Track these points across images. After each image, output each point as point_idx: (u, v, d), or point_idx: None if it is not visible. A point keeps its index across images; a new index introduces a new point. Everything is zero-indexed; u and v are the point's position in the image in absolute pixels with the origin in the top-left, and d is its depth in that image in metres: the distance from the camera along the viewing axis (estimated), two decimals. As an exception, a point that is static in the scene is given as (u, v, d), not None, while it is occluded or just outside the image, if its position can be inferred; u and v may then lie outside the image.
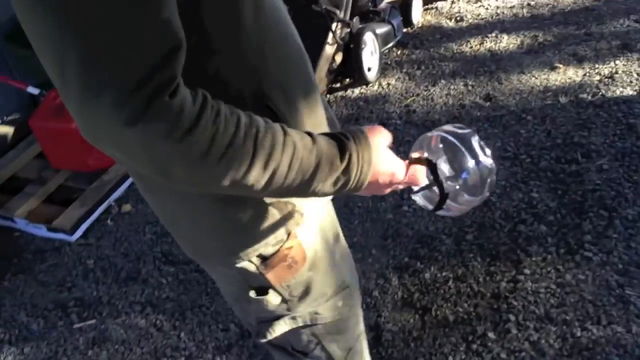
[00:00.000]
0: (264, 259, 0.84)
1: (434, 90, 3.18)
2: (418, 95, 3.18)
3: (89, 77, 0.51)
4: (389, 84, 3.35)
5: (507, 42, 3.48)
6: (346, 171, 0.70)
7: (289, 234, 0.83)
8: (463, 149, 0.84)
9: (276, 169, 0.63)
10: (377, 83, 3.37)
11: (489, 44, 3.51)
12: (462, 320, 1.90)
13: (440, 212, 0.89)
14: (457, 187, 0.87)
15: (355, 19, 3.29)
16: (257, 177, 0.62)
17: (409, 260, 2.18)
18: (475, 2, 4.05)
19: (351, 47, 3.21)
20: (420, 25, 3.93)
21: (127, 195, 2.88)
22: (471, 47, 3.52)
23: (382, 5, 3.65)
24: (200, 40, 0.64)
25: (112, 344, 2.12)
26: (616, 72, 2.95)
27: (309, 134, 0.68)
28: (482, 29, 3.71)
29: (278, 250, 0.83)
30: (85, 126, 0.54)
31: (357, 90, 3.36)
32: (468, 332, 1.86)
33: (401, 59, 3.58)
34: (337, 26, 3.13)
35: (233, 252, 0.83)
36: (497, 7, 3.92)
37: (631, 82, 2.85)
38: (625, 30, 3.33)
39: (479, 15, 3.88)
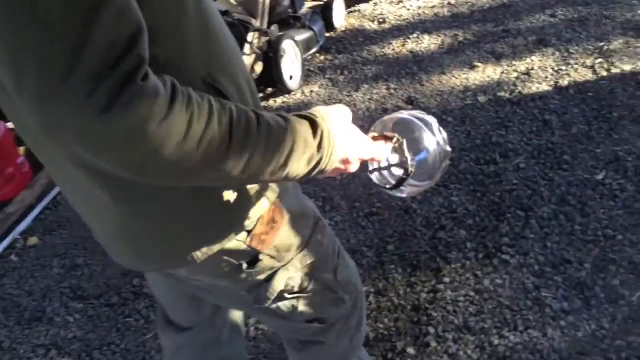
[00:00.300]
0: (248, 232, 0.84)
1: (357, 96, 3.12)
2: (341, 101, 3.11)
3: (51, 64, 0.47)
4: (312, 92, 3.27)
5: (428, 42, 3.47)
6: (320, 148, 0.70)
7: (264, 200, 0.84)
8: (425, 128, 0.86)
9: (254, 151, 0.62)
10: (300, 91, 3.29)
11: (410, 45, 3.49)
12: (383, 337, 1.83)
13: (395, 192, 0.90)
14: (415, 165, 0.87)
15: (274, 27, 3.20)
16: (236, 160, 0.60)
17: (329, 276, 2.09)
18: (398, 4, 4.04)
19: (270, 56, 3.11)
20: (343, 29, 3.88)
21: (34, 227, 2.67)
22: (394, 50, 3.49)
23: (303, 10, 3.58)
24: (149, 30, 0.59)
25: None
26: (532, 69, 2.97)
27: (279, 114, 0.68)
28: (404, 30, 3.69)
29: (259, 219, 0.84)
30: (46, 120, 0.50)
31: (279, 100, 3.27)
32: (388, 349, 1.78)
33: (324, 65, 3.51)
34: (253, 36, 3.03)
35: (220, 236, 0.82)
36: (419, 8, 3.92)
37: (547, 77, 2.88)
38: (541, 26, 3.37)
39: (401, 16, 3.87)
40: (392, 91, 3.08)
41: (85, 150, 0.53)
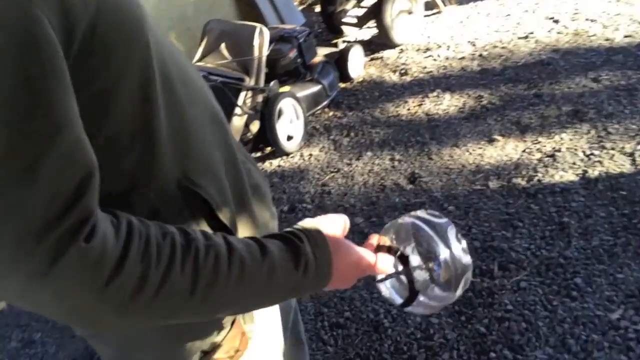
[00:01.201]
0: (205, 353, 0.75)
1: (357, 166, 2.81)
2: (338, 171, 2.81)
3: None
4: (310, 155, 2.99)
5: (448, 103, 3.11)
6: (304, 277, 0.64)
7: (232, 323, 0.76)
8: (437, 239, 0.76)
9: (221, 293, 0.56)
10: (298, 153, 3.02)
11: (428, 105, 3.14)
12: None
13: (409, 309, 0.80)
14: (428, 279, 0.77)
15: (273, 83, 2.96)
16: (198, 306, 0.54)
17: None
18: (425, 52, 3.69)
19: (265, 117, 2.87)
20: (360, 79, 3.58)
21: None
22: (408, 110, 3.15)
23: (314, 61, 3.32)
24: (110, 140, 0.56)
25: None
26: (559, 150, 2.55)
27: (257, 240, 0.62)
28: (425, 85, 3.34)
29: (221, 342, 0.75)
30: None
31: (275, 162, 3.01)
32: None
33: (331, 123, 3.23)
34: (246, 95, 2.79)
35: (177, 354, 0.73)
36: (447, 59, 3.55)
37: (574, 163, 2.45)
38: (579, 92, 2.92)
39: (425, 68, 3.51)
40: (396, 163, 2.75)
41: (29, 307, 0.48)
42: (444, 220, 0.80)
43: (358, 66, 3.59)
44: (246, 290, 0.59)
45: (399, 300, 0.80)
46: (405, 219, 0.81)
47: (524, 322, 1.83)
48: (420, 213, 0.81)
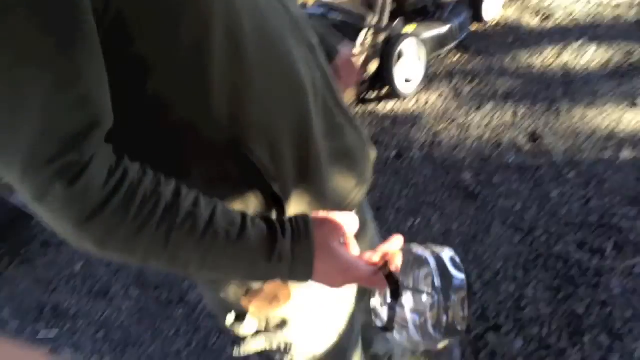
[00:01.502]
0: (247, 291, 0.82)
1: (474, 117, 2.66)
2: (454, 121, 2.69)
3: (2, 153, 0.53)
4: (427, 102, 2.88)
5: (590, 56, 2.78)
6: (275, 269, 0.65)
7: None
8: (437, 298, 0.70)
9: (188, 258, 0.61)
10: (415, 98, 2.93)
11: (567, 56, 2.83)
12: None
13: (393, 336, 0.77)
14: (408, 326, 0.74)
15: (398, 22, 2.84)
16: (166, 262, 0.60)
17: None
18: (575, -6, 3.28)
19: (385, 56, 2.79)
20: (495, 21, 3.30)
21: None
22: (543, 60, 2.87)
23: (446, -1, 3.11)
24: (158, 92, 0.61)
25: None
26: None
27: (244, 221, 0.63)
28: (568, 33, 3.00)
29: (261, 288, 0.80)
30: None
31: (389, 105, 2.95)
32: None
33: (454, 68, 3.06)
34: (366, 33, 2.72)
35: (227, 293, 0.82)
36: (599, 5, 3.13)
37: None
38: None
39: (572, 13, 3.14)
40: (518, 119, 2.56)
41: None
42: (460, 278, 0.72)
43: (495, 6, 3.30)
44: (209, 263, 0.62)
45: (379, 323, 0.76)
46: (424, 254, 0.74)
47: (630, 310, 1.69)
48: (445, 254, 0.73)
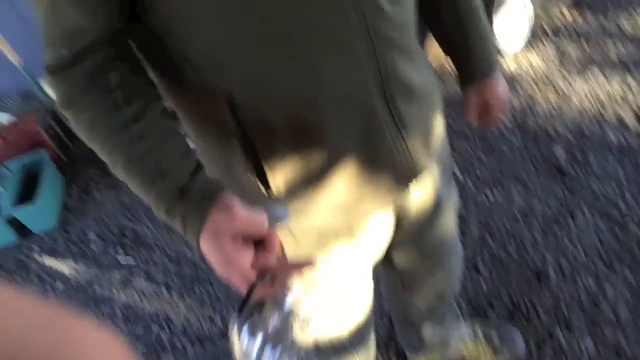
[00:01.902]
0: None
1: (577, 88, 2.41)
2: (554, 88, 2.45)
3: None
4: (529, 62, 2.63)
5: None
6: (172, 222, 0.68)
7: None
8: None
9: (122, 167, 0.69)
10: (514, 56, 2.68)
11: (703, 23, 2.45)
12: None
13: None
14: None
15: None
16: (104, 158, 0.70)
17: None
18: None
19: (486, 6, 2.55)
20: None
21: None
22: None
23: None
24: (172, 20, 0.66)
25: (133, 292, 2.35)
26: None
27: (170, 169, 0.67)
28: None
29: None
30: None
31: (484, 63, 2.72)
32: None
33: (565, 27, 2.75)
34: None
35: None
36: None
37: None
38: None
39: None
40: (629, 93, 2.28)
41: None
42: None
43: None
44: (129, 179, 0.69)
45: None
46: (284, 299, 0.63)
47: None
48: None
